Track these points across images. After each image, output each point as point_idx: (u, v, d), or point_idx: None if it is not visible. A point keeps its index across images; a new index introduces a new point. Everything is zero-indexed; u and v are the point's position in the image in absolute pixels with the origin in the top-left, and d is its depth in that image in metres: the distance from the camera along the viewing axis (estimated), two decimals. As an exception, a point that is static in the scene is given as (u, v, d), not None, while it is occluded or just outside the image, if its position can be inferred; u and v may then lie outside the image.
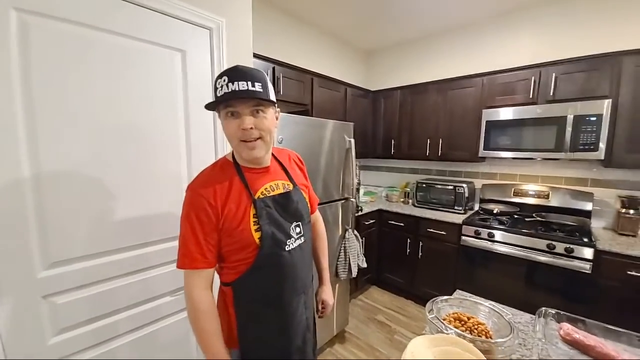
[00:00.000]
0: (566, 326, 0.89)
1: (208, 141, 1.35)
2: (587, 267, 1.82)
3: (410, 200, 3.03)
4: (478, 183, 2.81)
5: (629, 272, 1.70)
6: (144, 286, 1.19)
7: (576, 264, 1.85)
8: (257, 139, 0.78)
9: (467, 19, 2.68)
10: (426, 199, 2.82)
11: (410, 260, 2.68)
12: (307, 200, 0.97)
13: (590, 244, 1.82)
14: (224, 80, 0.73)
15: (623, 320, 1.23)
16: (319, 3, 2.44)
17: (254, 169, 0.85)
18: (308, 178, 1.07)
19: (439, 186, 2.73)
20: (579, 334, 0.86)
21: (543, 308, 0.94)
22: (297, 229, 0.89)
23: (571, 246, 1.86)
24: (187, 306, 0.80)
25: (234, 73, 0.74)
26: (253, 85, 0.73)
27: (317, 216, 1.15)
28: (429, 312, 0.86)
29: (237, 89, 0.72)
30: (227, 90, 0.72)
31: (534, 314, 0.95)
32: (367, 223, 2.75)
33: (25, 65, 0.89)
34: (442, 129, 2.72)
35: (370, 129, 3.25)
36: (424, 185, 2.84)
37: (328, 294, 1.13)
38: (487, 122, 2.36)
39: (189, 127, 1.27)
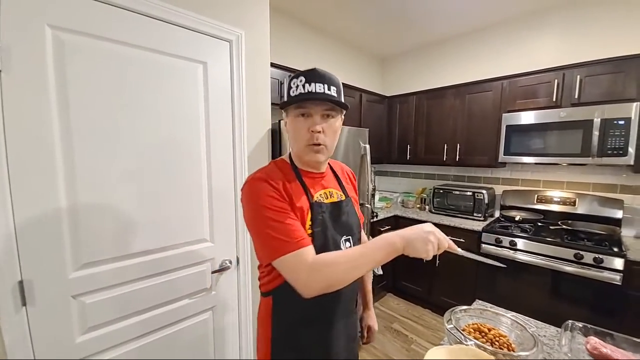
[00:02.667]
0: (593, 340, 0.85)
1: (227, 150, 1.40)
2: (617, 278, 1.72)
3: (427, 207, 2.98)
4: (498, 189, 2.72)
5: (664, 285, 1.60)
6: (166, 288, 1.23)
7: (606, 274, 1.75)
8: (322, 145, 0.76)
9: (485, 22, 2.64)
10: (443, 205, 2.76)
11: (428, 268, 2.62)
12: (358, 214, 0.92)
13: (620, 254, 1.72)
14: (301, 81, 0.73)
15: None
16: (333, 11, 2.47)
17: (311, 172, 0.83)
18: (358, 195, 1.03)
19: (457, 192, 2.67)
20: (607, 348, 0.81)
21: (570, 321, 0.90)
22: (347, 244, 0.83)
23: (600, 256, 1.77)
24: (323, 280, 0.65)
25: (312, 75, 0.73)
26: (329, 89, 0.73)
27: (363, 235, 1.04)
28: (447, 322, 0.84)
29: (313, 90, 0.72)
30: (302, 91, 0.72)
31: (559, 327, 0.91)
32: (382, 229, 2.72)
33: (61, 80, 0.95)
34: (459, 133, 2.67)
35: (386, 135, 3.24)
36: (441, 191, 2.78)
37: (373, 319, 1.08)
38: (507, 126, 2.30)
39: (209, 135, 1.31)
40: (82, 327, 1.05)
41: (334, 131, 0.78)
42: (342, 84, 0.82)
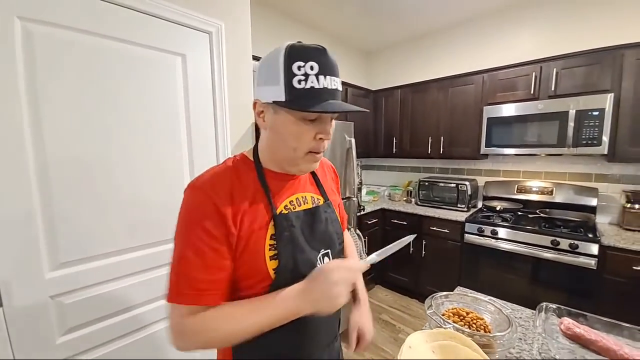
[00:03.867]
0: (567, 321, 0.89)
1: (209, 145, 1.38)
2: (592, 263, 1.80)
3: (413, 199, 3.02)
4: (481, 180, 2.79)
5: (634, 268, 1.68)
6: (148, 286, 1.21)
7: (581, 260, 1.83)
8: (324, 150, 0.61)
9: (466, 15, 2.68)
10: (429, 197, 2.81)
11: (414, 259, 2.67)
12: (339, 219, 0.77)
13: (595, 240, 1.80)
14: (312, 69, 0.52)
15: (628, 316, 1.22)
16: (317, 4, 2.45)
17: (281, 174, 0.65)
18: (340, 191, 0.87)
19: (442, 184, 2.72)
20: (580, 328, 0.85)
21: (544, 303, 0.94)
22: (326, 260, 0.67)
23: (576, 242, 1.85)
24: (192, 346, 0.55)
25: (325, 61, 0.54)
26: (339, 85, 0.57)
27: (347, 237, 0.89)
28: (427, 308, 0.86)
29: (329, 87, 0.54)
30: (317, 86, 0.53)
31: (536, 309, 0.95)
32: (369, 222, 2.75)
33: (30, 71, 0.91)
34: (443, 126, 2.72)
35: (372, 128, 3.26)
36: (427, 184, 2.83)
37: (364, 318, 0.82)
38: (488, 118, 2.35)
39: (190, 128, 1.29)
40: (61, 328, 1.02)
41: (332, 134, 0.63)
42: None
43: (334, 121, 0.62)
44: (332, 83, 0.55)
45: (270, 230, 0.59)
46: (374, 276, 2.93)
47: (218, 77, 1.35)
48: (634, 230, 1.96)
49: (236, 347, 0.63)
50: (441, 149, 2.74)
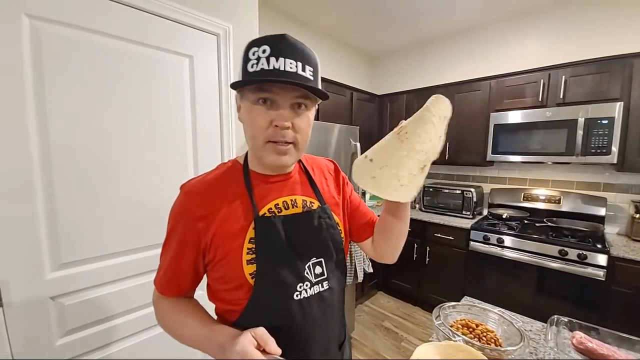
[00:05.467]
0: (579, 335, 0.86)
1: (214, 148, 1.37)
2: (600, 274, 1.76)
3: (417, 205, 3.00)
4: (487, 187, 2.76)
5: (645, 280, 1.64)
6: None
7: (589, 270, 1.79)
8: (291, 143, 0.57)
9: (474, 22, 2.67)
10: (433, 203, 2.79)
11: (418, 266, 2.64)
12: (340, 225, 0.70)
13: (604, 250, 1.76)
14: (264, 52, 0.51)
15: (637, 328, 1.19)
16: (324, 8, 2.46)
17: (267, 176, 0.63)
18: (350, 185, 0.80)
19: (447, 190, 2.69)
20: (592, 343, 0.83)
21: (555, 316, 0.91)
22: (318, 269, 0.62)
23: (584, 252, 1.81)
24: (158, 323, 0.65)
25: (281, 44, 0.52)
26: (304, 69, 0.53)
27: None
28: (435, 319, 0.84)
29: (281, 68, 0.51)
30: (266, 67, 0.51)
31: (545, 322, 0.92)
32: (373, 227, 2.72)
33: (38, 70, 0.91)
34: (449, 132, 2.62)
35: (377, 133, 3.24)
36: (431, 190, 2.80)
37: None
38: (495, 125, 2.33)
39: (195, 130, 1.28)
40: (61, 330, 1.01)
41: (307, 126, 0.58)
42: (333, 81, 0.62)
43: (310, 116, 0.59)
44: (289, 66, 0.51)
45: (250, 234, 0.58)
46: (377, 282, 2.90)
47: (225, 79, 1.35)
48: (643, 242, 1.92)
49: None
50: (446, 155, 2.71)
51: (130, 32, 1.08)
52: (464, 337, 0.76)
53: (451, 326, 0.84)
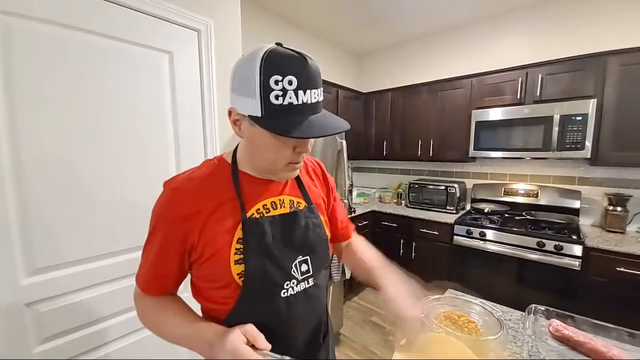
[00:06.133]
0: (555, 322, 0.90)
1: (197, 143, 1.34)
2: (576, 264, 1.84)
3: (403, 201, 3.04)
4: (469, 183, 2.83)
5: (617, 269, 1.72)
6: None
7: (566, 261, 1.87)
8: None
9: (456, 21, 2.72)
10: (419, 199, 2.84)
11: (404, 261, 2.68)
12: (325, 225, 0.72)
13: (579, 242, 1.85)
14: (290, 84, 0.48)
15: (613, 316, 1.25)
16: (308, 5, 2.45)
17: (256, 178, 0.63)
18: (334, 191, 0.82)
19: (431, 187, 2.75)
20: (569, 330, 0.86)
21: (533, 305, 0.95)
22: (304, 267, 0.64)
23: (560, 244, 1.89)
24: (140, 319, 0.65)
25: (305, 73, 0.50)
26: (321, 95, 0.54)
27: (356, 238, 0.88)
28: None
29: (308, 101, 0.50)
30: (295, 102, 0.49)
31: (525, 311, 0.96)
32: (360, 224, 2.75)
33: (7, 67, 0.87)
34: (433, 129, 2.75)
35: (363, 131, 3.27)
36: (417, 186, 2.85)
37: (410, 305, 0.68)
38: (476, 122, 2.39)
39: (177, 127, 1.25)
40: (39, 337, 0.97)
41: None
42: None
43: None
44: (313, 96, 0.51)
45: (238, 234, 0.58)
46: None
47: (207, 76, 1.32)
48: (616, 232, 2.02)
49: None
50: (431, 152, 2.76)
51: (106, 28, 1.04)
52: (446, 328, 0.78)
53: (434, 319, 0.85)
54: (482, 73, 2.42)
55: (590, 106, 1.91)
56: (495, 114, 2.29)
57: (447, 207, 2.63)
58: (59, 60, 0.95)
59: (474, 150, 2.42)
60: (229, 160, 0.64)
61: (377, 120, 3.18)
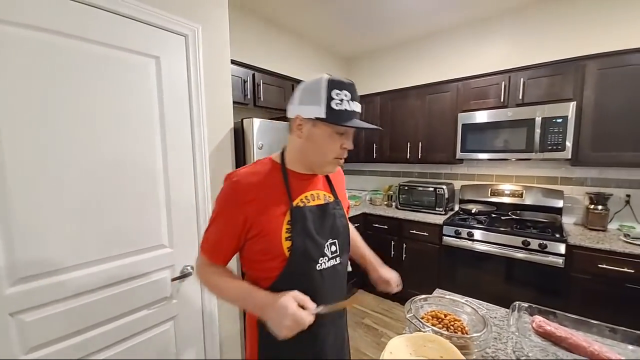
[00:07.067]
0: (538, 319, 0.92)
1: (186, 152, 1.33)
2: (560, 261, 1.90)
3: (394, 203, 3.08)
4: (457, 184, 2.89)
5: (599, 265, 1.78)
6: (119, 300, 1.15)
7: (550, 259, 1.93)
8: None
9: (443, 26, 2.79)
10: (409, 201, 2.87)
11: (395, 262, 2.71)
12: (347, 217, 0.91)
13: (562, 240, 1.90)
14: (346, 96, 0.71)
15: (595, 312, 1.30)
16: (298, 10, 2.47)
17: (300, 174, 0.81)
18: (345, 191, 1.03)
19: (420, 188, 2.79)
20: (551, 326, 0.89)
21: (517, 302, 0.97)
22: (333, 248, 0.81)
23: (544, 242, 1.94)
24: (201, 283, 0.84)
25: (354, 91, 0.73)
26: (360, 107, 0.76)
27: (352, 231, 1.07)
28: (407, 312, 0.87)
29: (355, 110, 0.73)
30: (348, 108, 0.71)
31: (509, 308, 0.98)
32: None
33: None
34: (421, 132, 2.80)
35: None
36: (406, 188, 2.89)
37: (386, 273, 0.97)
38: (463, 125, 2.45)
39: (164, 133, 1.25)
40: (24, 347, 0.94)
41: None
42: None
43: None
44: (357, 107, 0.74)
45: (287, 218, 0.75)
46: (357, 281, 2.94)
47: (195, 82, 1.32)
48: (597, 230, 2.09)
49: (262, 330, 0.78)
50: (419, 154, 2.81)
51: (89, 31, 1.02)
52: (432, 327, 0.80)
53: (422, 318, 0.87)
54: (468, 77, 2.49)
55: (570, 109, 1.99)
56: (480, 116, 2.35)
57: (436, 209, 2.67)
58: (40, 67, 0.94)
59: (461, 152, 2.48)
60: (278, 160, 0.82)
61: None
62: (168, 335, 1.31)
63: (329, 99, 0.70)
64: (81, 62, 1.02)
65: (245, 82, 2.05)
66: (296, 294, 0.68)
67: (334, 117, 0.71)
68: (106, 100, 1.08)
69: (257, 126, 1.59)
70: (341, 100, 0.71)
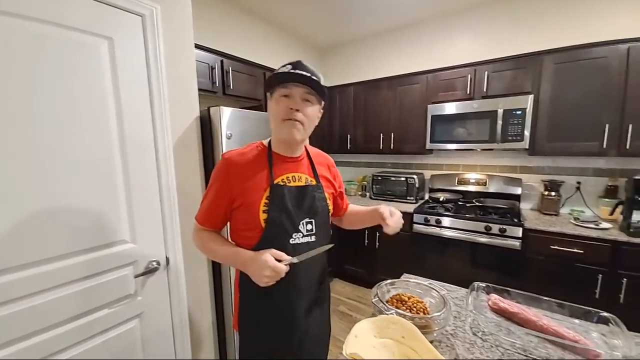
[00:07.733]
0: (494, 297, 0.99)
1: (146, 136, 1.25)
2: (517, 244, 2.04)
3: (368, 193, 3.13)
4: (427, 174, 2.99)
5: (552, 247, 1.94)
6: (78, 298, 1.07)
7: (508, 242, 2.06)
8: (299, 122, 0.82)
9: (414, 18, 2.83)
10: (382, 191, 2.94)
11: (369, 251, 2.78)
12: (329, 201, 0.97)
13: (519, 224, 2.04)
14: (287, 68, 0.81)
15: (549, 290, 1.40)
16: (268, -4, 2.39)
17: (284, 156, 0.90)
18: (339, 179, 1.10)
19: (393, 178, 2.86)
20: (504, 303, 0.96)
21: (475, 283, 1.03)
22: (309, 226, 0.89)
23: (504, 227, 2.07)
24: (197, 247, 0.93)
25: (298, 63, 0.82)
26: (311, 78, 0.80)
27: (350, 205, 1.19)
28: (373, 297, 0.89)
29: (297, 72, 0.79)
30: (288, 71, 0.80)
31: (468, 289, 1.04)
32: (325, 217, 2.78)
33: None
34: (393, 123, 2.85)
35: (327, 125, 3.29)
36: (380, 178, 2.95)
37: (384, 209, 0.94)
38: (432, 116, 2.52)
39: (122, 123, 1.16)
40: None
41: (310, 116, 0.84)
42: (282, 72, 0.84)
43: (315, 109, 0.86)
44: (300, 73, 0.79)
45: (267, 193, 0.84)
46: (332, 270, 2.99)
47: (154, 66, 1.23)
48: (551, 215, 2.26)
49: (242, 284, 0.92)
50: (392, 145, 2.87)
51: (20, 6, 0.91)
52: (396, 309, 0.83)
53: (387, 301, 0.90)
54: (436, 69, 2.55)
55: (528, 101, 2.11)
56: (449, 108, 2.43)
57: (408, 198, 2.76)
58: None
59: (430, 142, 2.56)
60: (266, 144, 0.91)
61: (340, 114, 3.23)
62: (133, 333, 1.26)
63: (276, 74, 0.81)
64: (13, 42, 0.91)
65: (213, 68, 1.96)
66: (273, 250, 0.78)
67: (277, 81, 0.81)
68: (54, 84, 0.98)
69: (226, 115, 1.54)
70: (284, 66, 0.82)
